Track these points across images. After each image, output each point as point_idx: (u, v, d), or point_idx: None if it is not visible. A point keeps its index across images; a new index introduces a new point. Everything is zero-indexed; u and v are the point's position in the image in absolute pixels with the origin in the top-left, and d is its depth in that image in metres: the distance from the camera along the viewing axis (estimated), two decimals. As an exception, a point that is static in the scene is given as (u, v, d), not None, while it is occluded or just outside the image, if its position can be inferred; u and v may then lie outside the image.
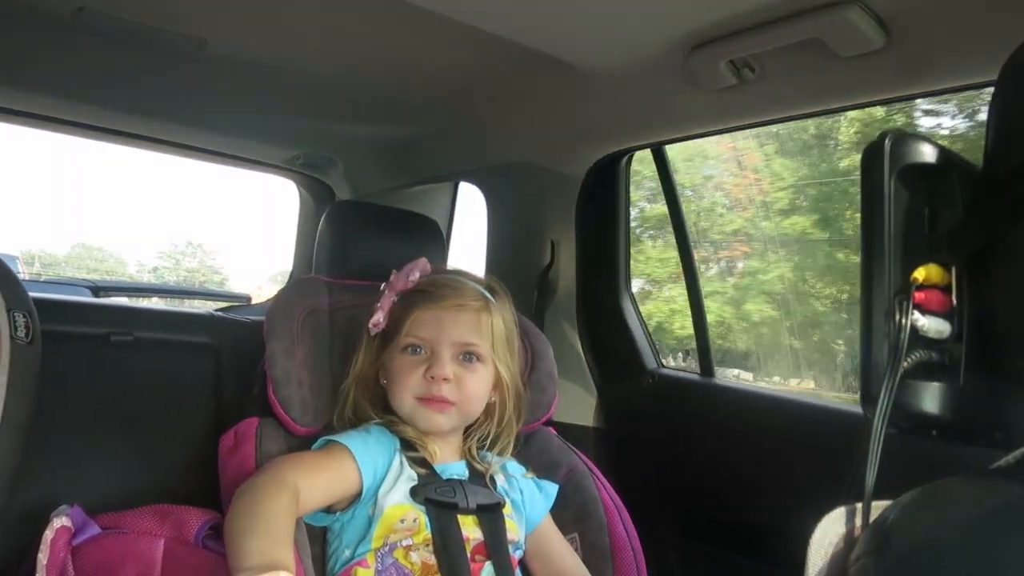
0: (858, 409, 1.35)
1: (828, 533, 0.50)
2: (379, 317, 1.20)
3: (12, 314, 0.84)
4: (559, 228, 1.72)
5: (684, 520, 1.50)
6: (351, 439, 1.12)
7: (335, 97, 1.71)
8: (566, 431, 1.46)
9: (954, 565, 0.40)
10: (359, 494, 1.10)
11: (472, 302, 1.17)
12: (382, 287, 1.24)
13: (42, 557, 0.90)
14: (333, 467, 1.08)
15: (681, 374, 1.64)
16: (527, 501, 1.23)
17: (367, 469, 1.10)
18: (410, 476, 1.13)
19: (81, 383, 1.30)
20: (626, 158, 1.63)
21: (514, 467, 1.26)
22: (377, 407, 1.22)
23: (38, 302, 0.95)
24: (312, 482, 1.03)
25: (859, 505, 0.50)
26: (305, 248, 2.35)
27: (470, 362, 1.16)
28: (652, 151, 1.56)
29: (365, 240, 1.49)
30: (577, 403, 1.70)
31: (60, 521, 0.99)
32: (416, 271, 1.21)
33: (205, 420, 1.33)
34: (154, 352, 1.36)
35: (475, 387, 1.16)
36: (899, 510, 0.45)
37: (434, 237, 1.57)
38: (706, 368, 1.57)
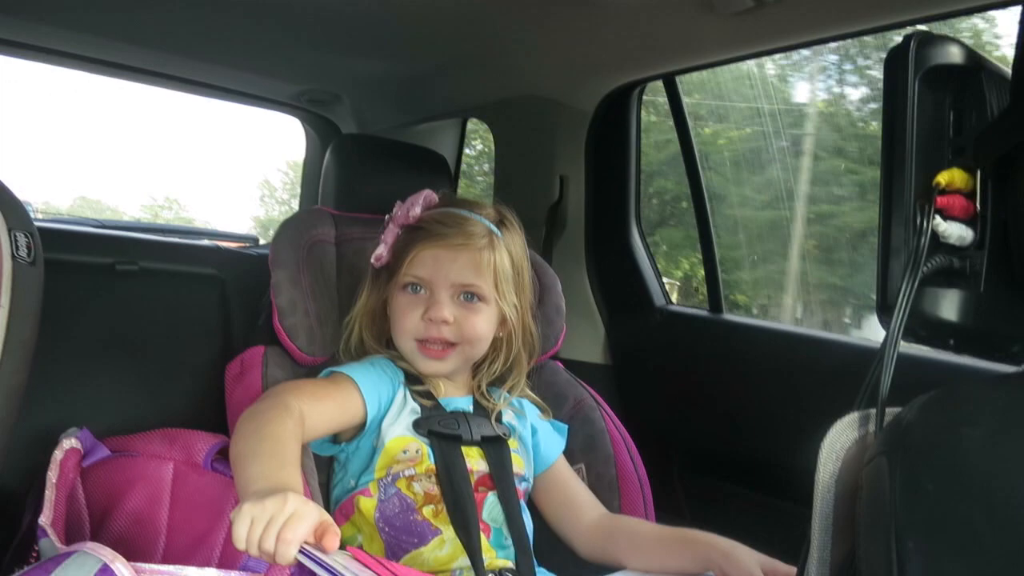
0: (868, 343, 1.34)
1: (840, 437, 0.49)
2: (382, 251, 1.18)
3: (13, 233, 0.82)
4: (568, 164, 1.69)
5: (691, 453, 1.50)
6: (356, 370, 1.12)
7: (342, 30, 1.67)
8: (574, 367, 1.45)
9: (976, 461, 0.39)
10: (363, 425, 1.11)
11: (474, 240, 1.13)
12: (386, 219, 1.22)
13: (51, 475, 0.91)
14: (337, 396, 1.08)
15: (689, 310, 1.63)
16: (542, 441, 1.23)
17: (371, 400, 1.10)
18: (413, 409, 1.13)
19: (86, 312, 1.30)
20: (637, 90, 1.60)
21: (530, 408, 1.26)
22: (381, 341, 1.21)
23: (42, 231, 0.94)
24: (316, 409, 1.03)
25: (873, 410, 0.49)
26: (311, 188, 2.33)
27: (471, 302, 1.14)
28: (664, 83, 1.52)
29: (371, 173, 1.47)
30: (585, 340, 1.70)
31: (70, 442, 0.99)
32: (418, 205, 1.18)
33: (212, 350, 1.33)
34: (159, 282, 1.36)
35: (477, 328, 1.14)
36: (916, 410, 0.44)
37: (441, 172, 1.55)
38: (715, 304, 1.55)
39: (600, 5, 1.31)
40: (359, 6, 1.51)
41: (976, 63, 0.56)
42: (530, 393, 1.28)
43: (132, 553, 0.79)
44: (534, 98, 1.70)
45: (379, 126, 2.09)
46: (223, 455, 0.97)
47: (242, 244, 2.45)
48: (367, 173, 1.47)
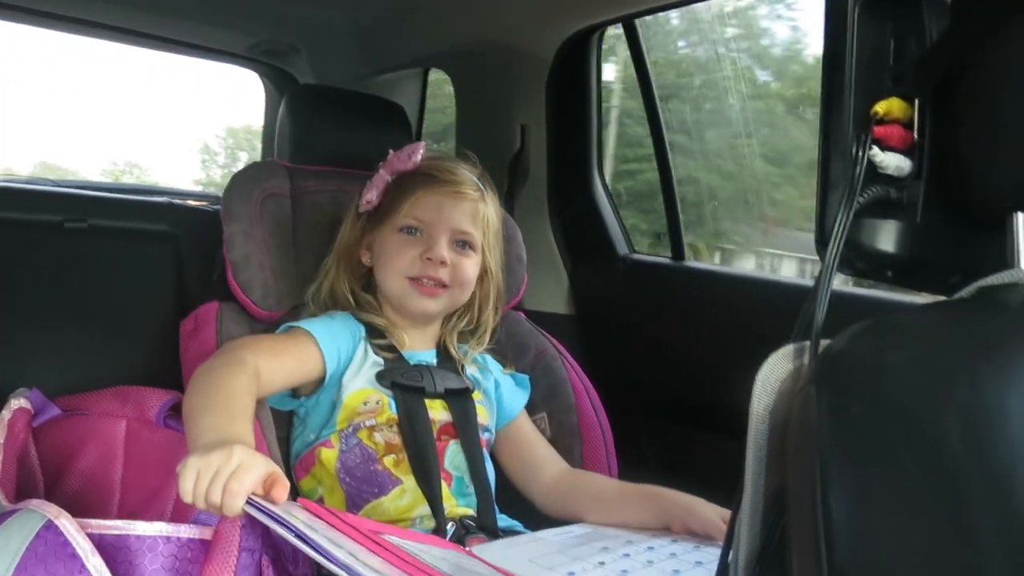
0: (842, 287, 1.35)
1: (775, 370, 0.49)
2: (373, 195, 1.19)
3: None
4: (529, 112, 1.67)
5: (654, 399, 1.51)
6: (314, 325, 1.11)
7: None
8: (538, 318, 1.45)
9: (898, 384, 0.40)
10: (322, 380, 1.10)
11: (471, 191, 1.17)
12: (379, 165, 1.22)
13: (-1, 437, 0.89)
14: (294, 351, 1.07)
15: (652, 258, 1.63)
16: (505, 394, 1.23)
17: (330, 354, 1.09)
18: (375, 362, 1.13)
19: (35, 271, 1.27)
20: (597, 35, 1.57)
21: (493, 363, 1.26)
22: (355, 288, 1.21)
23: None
24: (272, 364, 1.02)
25: (807, 342, 0.49)
26: (271, 143, 2.29)
27: (464, 249, 1.16)
28: (624, 27, 1.50)
29: (326, 125, 1.44)
30: (549, 290, 1.69)
31: (18, 402, 0.97)
32: (419, 152, 1.20)
33: (166, 307, 1.31)
34: (111, 240, 1.33)
35: (468, 272, 1.16)
36: (845, 339, 0.44)
37: (400, 123, 1.52)
38: (677, 252, 1.55)
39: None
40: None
41: (917, -10, 0.55)
42: (493, 353, 1.29)
43: (86, 511, 0.78)
44: (493, 45, 1.67)
45: (338, 78, 2.04)
46: (176, 411, 0.96)
47: (203, 202, 2.41)
48: (323, 125, 1.43)
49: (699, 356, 1.43)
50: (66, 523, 0.66)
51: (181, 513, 0.81)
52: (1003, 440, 0.35)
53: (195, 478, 0.73)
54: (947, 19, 0.54)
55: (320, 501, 1.07)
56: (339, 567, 0.65)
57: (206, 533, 0.71)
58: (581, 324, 1.67)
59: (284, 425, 1.17)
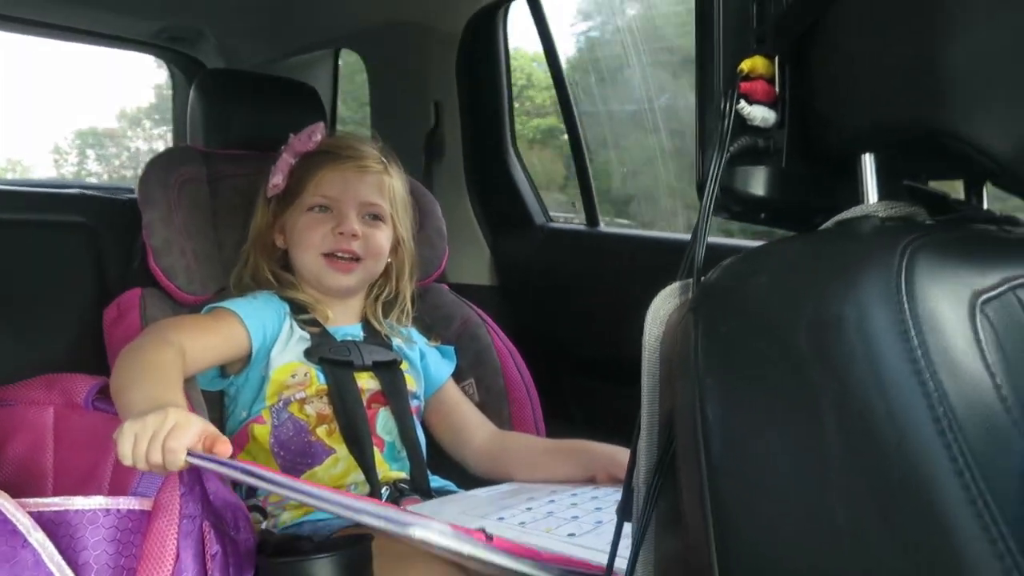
0: (731, 242, 1.43)
1: (664, 305, 0.55)
2: (279, 179, 1.21)
3: None
4: (441, 89, 1.70)
5: (576, 359, 1.58)
6: (237, 303, 1.14)
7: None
8: (462, 290, 1.50)
9: (762, 302, 0.45)
10: (249, 356, 1.12)
11: (374, 164, 1.20)
12: (282, 149, 1.23)
13: (-79, 432, 0.89)
14: (219, 329, 1.09)
15: (568, 226, 1.69)
16: (431, 364, 1.27)
17: (256, 330, 1.11)
18: (302, 337, 1.16)
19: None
20: (503, 10, 1.61)
21: (417, 335, 1.30)
22: (275, 269, 1.23)
23: None
24: (198, 343, 1.04)
25: (691, 280, 0.55)
26: (182, 130, 2.25)
27: (373, 221, 1.19)
28: (528, 2, 1.54)
29: (238, 109, 1.45)
30: (472, 263, 1.74)
31: (-60, 399, 0.97)
32: (318, 132, 1.23)
33: (87, 297, 1.30)
34: (24, 233, 1.31)
35: (380, 243, 1.19)
36: (720, 270, 0.49)
37: (313, 104, 1.54)
38: (591, 218, 1.62)
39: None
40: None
41: (773, -42, 0.61)
42: (417, 324, 1.33)
43: (19, 498, 0.79)
44: (403, 23, 1.69)
45: (248, 62, 2.03)
46: (104, 394, 0.97)
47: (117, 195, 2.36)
48: (234, 109, 1.44)
49: (615, 314, 1.48)
50: (3, 501, 0.67)
51: (118, 489, 0.83)
52: (842, 343, 0.41)
53: (132, 441, 0.75)
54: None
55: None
56: (299, 492, 0.69)
57: (146, 504, 0.74)
58: (504, 293, 1.72)
59: (215, 406, 1.18)
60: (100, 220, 1.38)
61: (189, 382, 1.08)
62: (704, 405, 0.45)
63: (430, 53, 1.69)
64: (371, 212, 1.19)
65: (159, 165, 1.26)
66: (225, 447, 0.76)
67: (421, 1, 1.61)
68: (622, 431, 1.13)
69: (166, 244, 1.19)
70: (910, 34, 0.51)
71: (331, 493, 0.72)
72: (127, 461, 0.75)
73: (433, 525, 0.64)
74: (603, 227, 1.62)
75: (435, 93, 1.71)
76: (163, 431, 0.74)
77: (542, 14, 1.55)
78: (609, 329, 1.55)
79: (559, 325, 1.62)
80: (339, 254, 1.16)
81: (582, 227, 1.64)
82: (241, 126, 1.42)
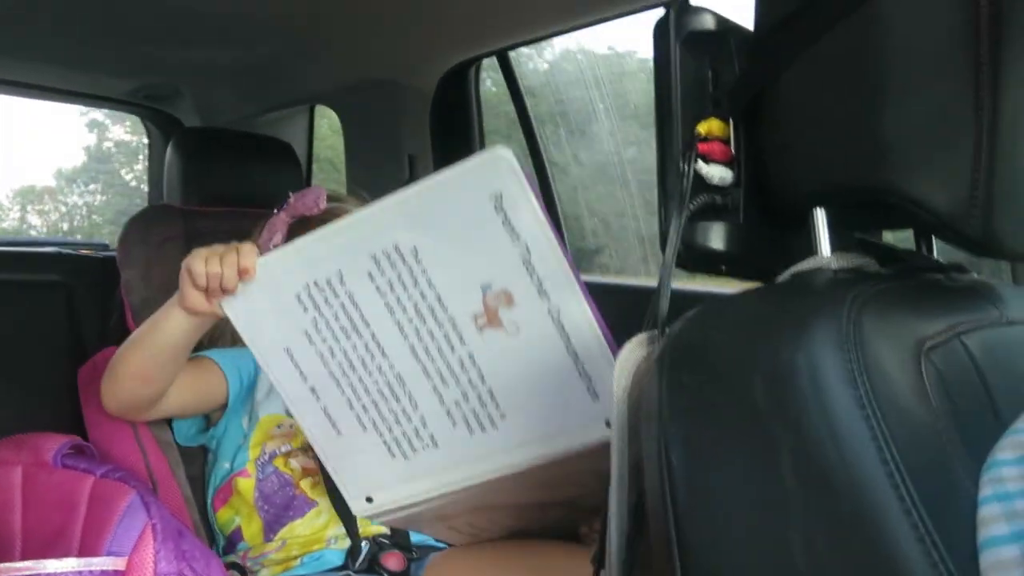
0: (691, 290, 1.46)
1: (631, 356, 0.57)
2: (278, 239, 1.20)
3: None
4: (415, 143, 1.74)
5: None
6: (213, 352, 1.14)
7: (173, 20, 1.63)
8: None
9: (718, 354, 0.48)
10: (227, 403, 1.13)
11: None
12: (276, 210, 1.24)
13: None
14: (195, 371, 1.10)
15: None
16: None
17: (232, 374, 1.12)
18: None
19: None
20: (474, 67, 1.66)
21: None
22: None
23: None
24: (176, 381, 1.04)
25: (656, 331, 0.57)
26: (159, 187, 2.27)
27: None
28: (498, 59, 1.59)
29: (216, 166, 1.47)
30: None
31: (-88, 462, 0.96)
32: (322, 198, 1.22)
33: (61, 357, 1.30)
34: (0, 292, 1.31)
35: None
36: (682, 322, 0.52)
37: (289, 161, 1.57)
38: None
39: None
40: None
41: (727, 28, 0.65)
42: None
43: (-9, 560, 0.79)
44: (377, 81, 1.73)
45: (224, 118, 2.06)
46: (76, 452, 0.97)
47: (91, 250, 2.36)
48: (212, 166, 1.46)
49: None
50: (-22, 567, 0.67)
51: (90, 549, 0.82)
52: (795, 391, 0.43)
53: (205, 254, 0.80)
54: (751, 52, 0.64)
55: (238, 531, 1.10)
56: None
57: (119, 564, 0.73)
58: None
59: (195, 462, 1.18)
60: (76, 278, 1.39)
61: (165, 440, 1.08)
62: (669, 454, 0.47)
63: (404, 109, 1.73)
64: None
65: (139, 224, 1.28)
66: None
67: (395, 60, 1.65)
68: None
69: (144, 302, 1.20)
70: (852, 99, 0.55)
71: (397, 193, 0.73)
72: (199, 267, 0.80)
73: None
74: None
75: (409, 147, 1.75)
76: (232, 246, 0.80)
77: (512, 71, 1.60)
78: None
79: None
80: None
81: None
82: (218, 183, 1.44)
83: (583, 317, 0.74)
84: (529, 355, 0.75)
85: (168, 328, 0.93)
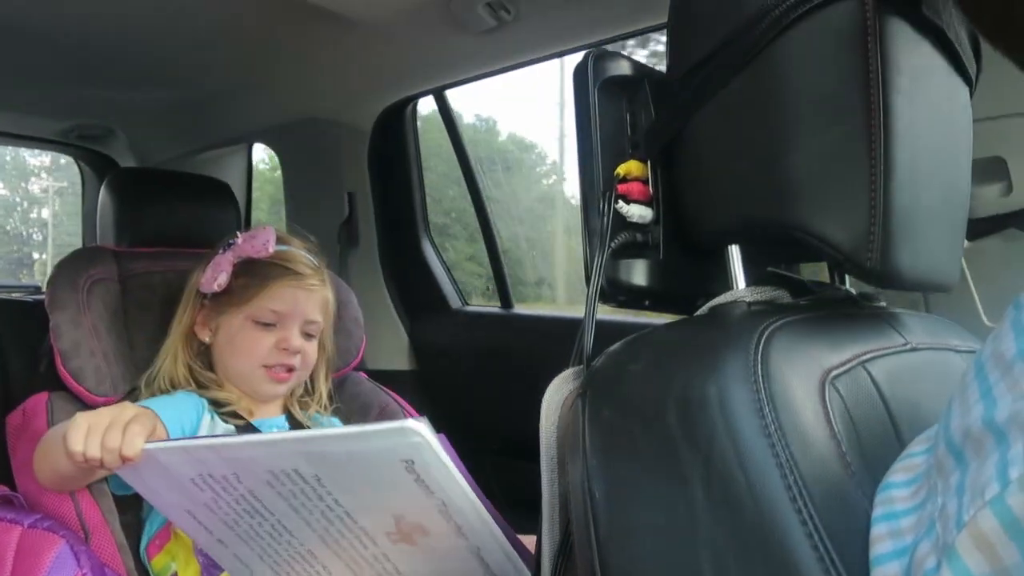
0: (623, 318, 1.50)
1: (559, 391, 0.59)
2: (223, 279, 1.20)
3: None
4: (354, 180, 1.75)
5: (498, 439, 1.60)
6: (150, 402, 1.12)
7: (105, 61, 1.62)
8: (381, 376, 1.51)
9: (636, 388, 0.50)
10: None
11: (319, 282, 1.23)
12: (220, 248, 1.23)
13: None
14: None
15: (484, 309, 1.73)
16: None
17: (172, 424, 1.10)
18: (227, 430, 1.15)
19: None
20: (410, 106, 1.68)
21: (337, 423, 1.31)
22: (193, 366, 1.22)
23: None
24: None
25: (582, 366, 0.59)
26: (92, 226, 2.23)
27: (310, 336, 1.22)
28: (435, 98, 1.62)
29: (152, 207, 1.45)
30: (390, 349, 1.76)
31: None
32: (271, 243, 1.22)
33: (-10, 404, 1.26)
34: (-79, 341, 1.27)
35: (313, 356, 1.23)
36: (605, 356, 0.54)
37: (225, 199, 1.56)
38: (505, 300, 1.67)
39: (361, 30, 1.38)
40: (124, 36, 1.49)
41: (642, 73, 0.68)
42: (338, 414, 1.34)
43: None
44: (314, 120, 1.74)
45: (159, 157, 2.04)
46: (1, 502, 0.95)
47: (23, 293, 2.30)
48: (146, 207, 1.45)
49: (531, 393, 1.53)
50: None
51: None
52: (706, 420, 0.46)
53: (85, 430, 0.74)
54: (665, 98, 0.67)
55: (173, 577, 1.08)
56: (261, 443, 0.68)
57: (52, 619, 0.72)
58: (423, 376, 1.74)
59: (131, 509, 1.16)
60: (3, 323, 1.35)
61: (99, 488, 1.06)
62: (591, 484, 0.48)
63: (342, 147, 1.75)
64: (310, 330, 1.21)
65: (68, 267, 1.25)
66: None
67: (332, 100, 1.67)
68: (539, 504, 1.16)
69: (75, 346, 1.18)
70: (759, 140, 0.58)
71: (299, 432, 0.69)
72: (77, 448, 0.74)
73: (422, 419, 0.65)
74: (517, 309, 1.67)
75: (348, 184, 1.76)
76: (123, 419, 0.74)
77: (448, 110, 1.63)
78: (526, 407, 1.58)
79: (478, 405, 1.65)
80: (277, 368, 1.18)
81: (497, 309, 1.69)
82: (153, 223, 1.42)
83: (503, 552, 0.74)
84: (445, 565, 0.74)
85: (64, 461, 0.86)
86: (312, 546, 0.75)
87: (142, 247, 1.39)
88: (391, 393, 1.43)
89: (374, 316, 1.58)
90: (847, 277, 0.72)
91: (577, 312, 1.76)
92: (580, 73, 0.67)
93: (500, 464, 1.60)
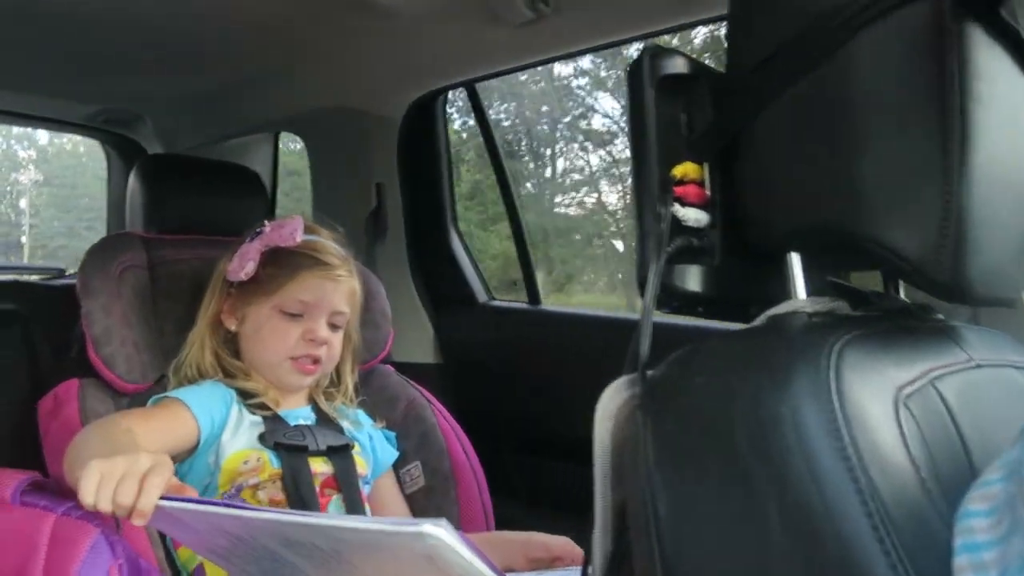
0: (669, 320, 1.48)
1: (613, 399, 0.57)
2: (250, 267, 1.19)
3: None
4: (383, 171, 1.74)
5: (521, 437, 1.59)
6: (183, 392, 1.12)
7: (134, 47, 1.62)
8: (407, 369, 1.50)
9: (702, 401, 0.48)
10: (196, 445, 1.10)
11: (348, 273, 1.22)
12: (248, 236, 1.22)
13: None
14: (167, 416, 1.08)
15: (511, 304, 1.72)
16: (378, 448, 1.27)
17: (203, 417, 1.10)
18: (254, 422, 1.15)
19: None
20: (441, 98, 1.67)
21: (364, 417, 1.30)
22: (222, 355, 1.21)
23: None
24: (146, 427, 1.02)
25: (637, 374, 0.57)
26: (118, 212, 2.23)
27: (337, 327, 1.21)
28: (466, 90, 1.60)
29: (179, 194, 1.45)
30: (416, 342, 1.75)
31: None
32: (299, 230, 1.21)
33: (19, 390, 1.26)
34: (-48, 324, 1.27)
35: (339, 348, 1.22)
36: (664, 367, 0.52)
37: (255, 188, 1.55)
38: (533, 296, 1.65)
39: (395, 19, 1.37)
40: (154, 23, 1.48)
41: (698, 71, 0.66)
42: (364, 406, 1.33)
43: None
44: (344, 109, 1.73)
45: (186, 144, 2.04)
46: (34, 489, 0.94)
47: (46, 276, 2.31)
48: (175, 194, 1.44)
49: (557, 391, 1.52)
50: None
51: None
52: (779, 440, 0.44)
53: (98, 480, 0.71)
54: (725, 96, 0.65)
55: (200, 568, 1.07)
56: (287, 520, 0.67)
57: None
58: (448, 371, 1.73)
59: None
60: (34, 308, 1.35)
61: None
62: (656, 502, 0.47)
63: (371, 137, 1.73)
64: (336, 321, 1.20)
65: (99, 253, 1.25)
66: (192, 493, 0.74)
67: (363, 90, 1.66)
68: (566, 506, 1.15)
69: (106, 333, 1.17)
70: (825, 144, 0.56)
71: (322, 516, 0.69)
72: (89, 499, 0.71)
73: (441, 522, 0.61)
74: (544, 305, 1.65)
75: (377, 175, 1.75)
76: (138, 470, 0.71)
77: (479, 103, 1.61)
78: (552, 406, 1.57)
79: (503, 402, 1.63)
80: (304, 359, 1.17)
81: (525, 305, 1.67)
82: (181, 210, 1.42)
83: None
84: None
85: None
86: None
87: (170, 234, 1.39)
88: (418, 387, 1.42)
89: (401, 308, 1.57)
90: (901, 289, 0.70)
91: (606, 311, 1.75)
92: (635, 71, 0.64)
93: (523, 462, 1.59)
